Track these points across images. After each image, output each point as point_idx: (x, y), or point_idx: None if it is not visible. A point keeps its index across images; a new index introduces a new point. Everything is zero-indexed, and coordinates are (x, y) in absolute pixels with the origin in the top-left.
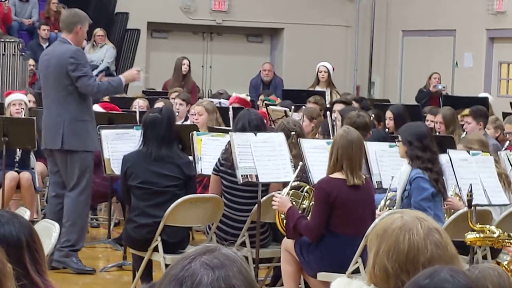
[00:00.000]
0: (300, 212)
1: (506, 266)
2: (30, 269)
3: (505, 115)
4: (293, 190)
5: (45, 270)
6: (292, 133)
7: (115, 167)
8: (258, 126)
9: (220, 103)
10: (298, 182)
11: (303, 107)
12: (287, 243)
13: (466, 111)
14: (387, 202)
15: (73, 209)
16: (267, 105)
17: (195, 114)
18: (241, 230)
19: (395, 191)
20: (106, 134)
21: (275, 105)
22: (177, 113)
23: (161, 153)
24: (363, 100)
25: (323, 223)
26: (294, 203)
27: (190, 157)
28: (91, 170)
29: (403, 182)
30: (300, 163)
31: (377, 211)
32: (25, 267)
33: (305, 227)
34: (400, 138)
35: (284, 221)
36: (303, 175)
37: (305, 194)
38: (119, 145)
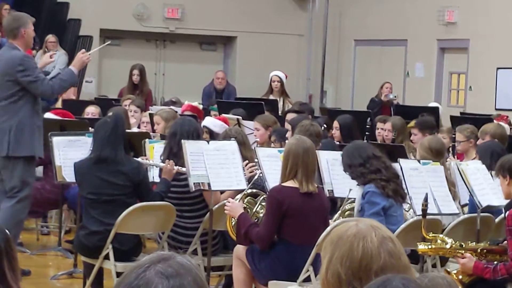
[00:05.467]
0: (256, 219)
1: (454, 275)
2: (8, 276)
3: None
4: (249, 197)
5: (19, 278)
6: (232, 139)
7: (67, 174)
8: (189, 132)
9: None
10: (255, 190)
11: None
12: (239, 251)
13: (412, 122)
14: (346, 213)
15: (10, 216)
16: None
17: (144, 123)
18: (191, 238)
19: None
20: (58, 141)
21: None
22: (134, 119)
23: (103, 154)
24: (305, 105)
25: (273, 231)
26: (248, 210)
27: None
28: (34, 178)
29: (358, 199)
30: (258, 171)
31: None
32: (4, 274)
33: (256, 235)
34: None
35: (235, 226)
36: (259, 184)
37: (262, 203)
38: (70, 152)
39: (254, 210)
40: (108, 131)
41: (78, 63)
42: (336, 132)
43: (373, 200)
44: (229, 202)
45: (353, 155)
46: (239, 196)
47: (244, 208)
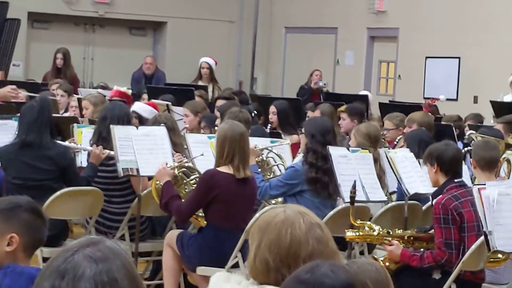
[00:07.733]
0: (185, 189)
1: (382, 262)
2: None
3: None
4: (184, 169)
5: None
6: (161, 125)
7: None
8: (120, 117)
9: None
10: (193, 167)
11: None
12: (170, 237)
13: (343, 107)
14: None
15: None
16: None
17: (73, 107)
18: (119, 223)
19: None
20: None
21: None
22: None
23: (29, 139)
24: (241, 94)
25: (194, 210)
26: (179, 179)
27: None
28: None
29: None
30: (186, 160)
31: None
32: None
33: (176, 208)
34: (303, 130)
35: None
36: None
37: (196, 179)
38: None
39: (185, 181)
40: (33, 115)
41: (2, 94)
42: (273, 117)
43: (291, 174)
44: (163, 165)
45: (318, 129)
46: (173, 164)
47: (175, 177)
